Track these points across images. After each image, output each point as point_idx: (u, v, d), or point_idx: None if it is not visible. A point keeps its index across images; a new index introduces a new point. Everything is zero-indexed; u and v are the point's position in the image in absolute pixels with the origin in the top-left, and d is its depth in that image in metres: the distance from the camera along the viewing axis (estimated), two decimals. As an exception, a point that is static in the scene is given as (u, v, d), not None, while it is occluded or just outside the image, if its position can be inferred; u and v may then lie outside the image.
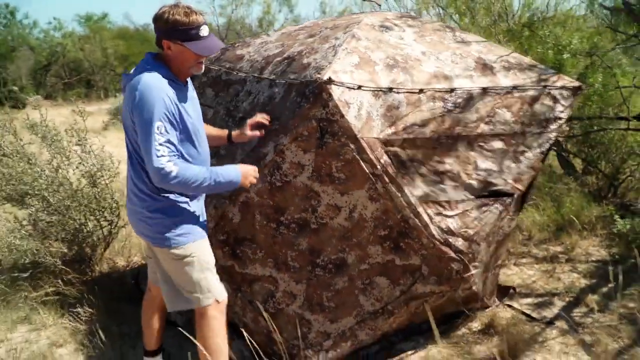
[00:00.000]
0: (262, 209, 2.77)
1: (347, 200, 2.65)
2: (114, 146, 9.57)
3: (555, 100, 3.10)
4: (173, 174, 2.18)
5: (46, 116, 4.10)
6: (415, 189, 2.71)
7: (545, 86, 3.09)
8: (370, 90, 2.61)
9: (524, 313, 3.47)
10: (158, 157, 2.16)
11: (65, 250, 3.84)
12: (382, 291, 2.83)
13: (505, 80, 3.03)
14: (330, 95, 2.47)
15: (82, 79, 21.01)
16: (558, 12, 6.62)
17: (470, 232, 2.83)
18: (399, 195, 2.63)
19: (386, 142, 2.61)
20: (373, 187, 2.60)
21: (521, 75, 3.12)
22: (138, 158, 2.34)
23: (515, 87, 3.00)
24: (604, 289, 3.69)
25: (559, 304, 3.63)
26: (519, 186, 2.97)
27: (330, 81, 2.47)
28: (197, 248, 2.48)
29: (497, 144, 2.92)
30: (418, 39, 3.17)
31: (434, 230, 2.73)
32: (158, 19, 2.29)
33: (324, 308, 2.80)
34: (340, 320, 2.82)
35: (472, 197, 2.84)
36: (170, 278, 2.55)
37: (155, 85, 2.23)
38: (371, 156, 2.54)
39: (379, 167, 2.56)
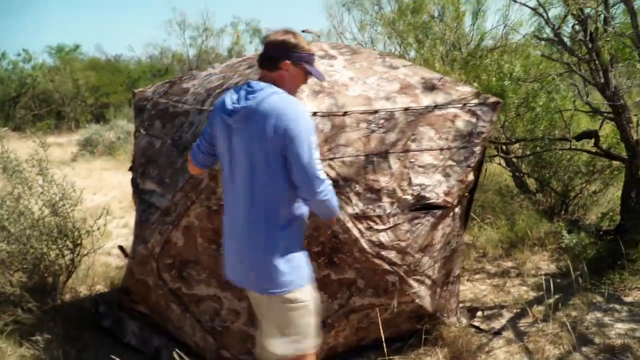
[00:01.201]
0: (202, 232, 2.93)
1: None
2: (82, 177, 9.63)
3: (476, 116, 3.28)
4: (328, 182, 2.19)
5: (8, 147, 4.18)
6: (352, 207, 2.86)
7: (464, 104, 3.28)
8: None
9: (472, 325, 3.63)
10: (319, 170, 2.15)
11: (26, 280, 3.89)
12: (321, 305, 2.96)
13: (426, 100, 3.21)
14: None
15: (52, 110, 20.90)
16: (509, 42, 6.96)
17: (403, 244, 2.98)
18: None
19: None
20: None
21: (442, 94, 3.30)
22: (285, 184, 2.20)
23: (435, 106, 3.19)
24: (550, 300, 3.86)
25: (507, 315, 3.81)
26: (449, 199, 3.14)
27: None
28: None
29: (427, 159, 3.08)
30: (348, 65, 3.35)
31: (364, 244, 2.87)
32: (283, 42, 2.27)
33: None
34: None
35: (403, 210, 2.99)
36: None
37: (299, 102, 2.26)
38: None
39: None
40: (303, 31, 4.37)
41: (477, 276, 4.60)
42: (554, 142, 5.05)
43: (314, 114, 2.82)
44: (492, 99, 3.39)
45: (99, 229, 4.19)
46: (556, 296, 4.00)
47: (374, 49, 10.53)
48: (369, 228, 2.89)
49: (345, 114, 2.91)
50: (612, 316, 3.72)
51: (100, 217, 4.27)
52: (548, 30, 5.10)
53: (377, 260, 2.92)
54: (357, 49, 3.75)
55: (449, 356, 3.20)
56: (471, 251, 5.05)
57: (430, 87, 3.32)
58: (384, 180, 2.94)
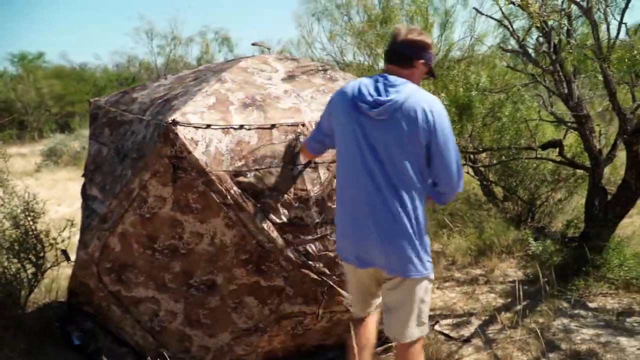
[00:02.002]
0: (137, 238, 3.01)
1: (207, 228, 2.87)
2: (46, 188, 9.41)
3: None
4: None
5: (-34, 158, 4.06)
6: (279, 216, 2.89)
7: None
8: (220, 128, 2.81)
9: (442, 333, 3.66)
10: (461, 166, 2.33)
11: (-14, 294, 3.76)
12: (252, 310, 3.04)
13: None
14: (176, 135, 2.66)
15: (14, 119, 20.41)
16: (475, 53, 7.09)
17: (331, 254, 3.02)
18: (251, 222, 2.82)
19: (237, 174, 2.79)
20: (227, 216, 2.81)
21: None
22: (421, 175, 2.33)
23: None
24: (517, 307, 3.92)
25: (475, 322, 3.85)
26: None
27: (174, 123, 2.67)
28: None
29: None
30: (287, 79, 3.40)
31: (290, 254, 2.91)
32: (421, 42, 2.41)
33: (202, 324, 3.04)
34: (217, 336, 3.05)
35: (332, 220, 2.99)
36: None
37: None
38: (221, 187, 2.74)
39: (229, 197, 2.76)
40: (253, 44, 4.41)
41: (447, 284, 4.64)
42: (520, 151, 5.15)
43: (241, 127, 2.85)
44: None
45: (63, 241, 4.08)
46: (524, 303, 4.06)
47: (344, 59, 10.60)
48: (296, 238, 2.93)
49: (272, 126, 2.94)
50: (578, 322, 3.79)
51: (64, 229, 4.16)
52: (513, 41, 5.22)
53: (304, 270, 2.97)
54: (302, 61, 3.77)
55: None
56: (440, 259, 5.10)
57: None
58: (313, 191, 2.97)
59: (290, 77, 3.43)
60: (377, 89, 2.32)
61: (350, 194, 2.42)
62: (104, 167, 3.25)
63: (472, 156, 6.18)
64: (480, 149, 5.40)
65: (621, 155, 6.04)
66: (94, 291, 3.37)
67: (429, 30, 8.09)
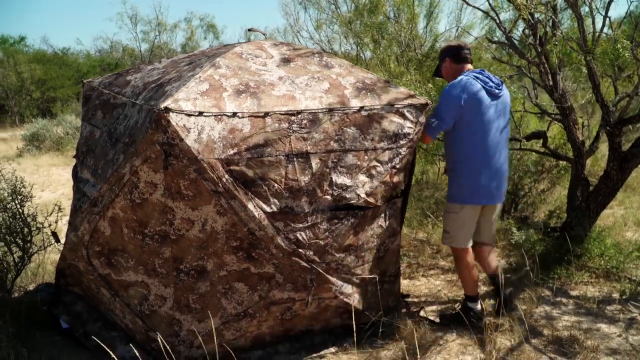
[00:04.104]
0: (127, 223, 3.02)
1: (198, 215, 2.89)
2: (29, 173, 9.32)
3: (403, 117, 3.31)
4: None
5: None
6: (270, 206, 2.92)
7: (392, 105, 3.30)
8: (212, 116, 2.80)
9: (427, 319, 3.72)
10: None
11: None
12: (242, 296, 3.09)
13: (354, 101, 3.22)
14: (168, 122, 2.66)
15: (-5, 104, 20.10)
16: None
17: (322, 243, 3.06)
18: (243, 210, 2.84)
19: (228, 162, 2.80)
20: (218, 203, 2.84)
21: (371, 95, 3.30)
22: (506, 137, 3.64)
23: (362, 107, 3.19)
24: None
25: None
26: (372, 200, 3.21)
27: (167, 110, 2.67)
28: None
29: (351, 160, 3.12)
30: (282, 65, 3.37)
31: (281, 241, 2.95)
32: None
33: (191, 309, 3.07)
34: (206, 321, 3.09)
35: (323, 210, 3.05)
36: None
37: None
38: (212, 175, 2.75)
39: (220, 185, 2.78)
40: (249, 30, 4.40)
41: (432, 272, 4.71)
42: (505, 142, 5.21)
43: (234, 114, 2.85)
44: (421, 101, 3.41)
45: (49, 225, 4.07)
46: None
47: (331, 48, 10.61)
48: (287, 226, 2.96)
49: (266, 114, 2.93)
50: (560, 309, 3.88)
51: (51, 213, 4.15)
52: (499, 33, 5.28)
53: (294, 258, 3.01)
54: (298, 47, 3.74)
55: (406, 349, 3.27)
56: (425, 248, 5.17)
57: (360, 88, 3.31)
58: (304, 180, 2.98)
59: (285, 63, 3.40)
60: (494, 84, 3.50)
61: (493, 151, 3.50)
62: (96, 150, 3.24)
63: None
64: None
65: (602, 148, 6.18)
66: (84, 273, 3.38)
67: (415, 21, 8.14)
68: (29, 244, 4.05)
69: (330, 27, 10.40)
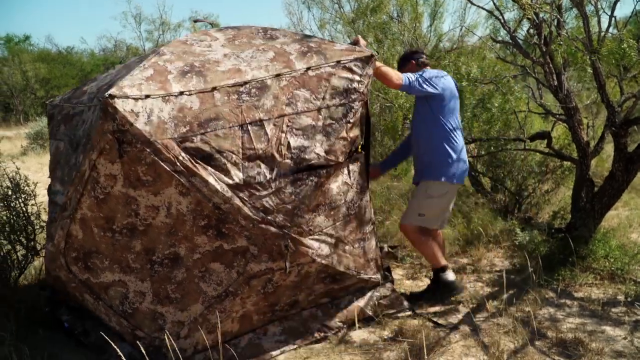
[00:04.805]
0: (96, 222, 3.00)
1: (161, 199, 2.88)
2: (33, 171, 9.32)
3: (351, 71, 3.33)
4: None
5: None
6: (232, 177, 2.92)
7: (338, 62, 3.30)
8: (159, 97, 2.81)
9: (430, 320, 3.71)
10: None
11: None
12: (219, 276, 3.08)
13: (300, 64, 3.23)
14: (115, 108, 2.67)
15: (-1, 102, 20.15)
16: (465, 44, 7.12)
17: (289, 206, 3.07)
18: (204, 185, 2.84)
19: (183, 140, 2.81)
20: (179, 183, 2.83)
21: (317, 56, 3.31)
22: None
23: (308, 68, 3.21)
24: (504, 296, 3.98)
25: (463, 310, 3.89)
26: (332, 157, 3.23)
27: (111, 97, 2.67)
28: None
29: (306, 121, 3.15)
30: (227, 44, 3.38)
31: (248, 211, 2.94)
32: None
33: (172, 300, 3.07)
34: (189, 309, 3.09)
35: (285, 174, 3.06)
36: None
37: None
38: (169, 155, 2.75)
39: (178, 163, 2.78)
40: (195, 21, 4.56)
41: (435, 273, 4.69)
42: (508, 142, 5.20)
43: (181, 93, 2.86)
44: (366, 53, 3.42)
45: (52, 224, 4.07)
46: (510, 292, 4.12)
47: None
48: (251, 196, 2.96)
49: (213, 89, 2.94)
50: (564, 311, 3.86)
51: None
52: (503, 32, 5.26)
53: (264, 226, 3.00)
54: (242, 27, 3.71)
55: (409, 350, 3.25)
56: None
57: (305, 52, 3.33)
58: (261, 148, 2.99)
59: (230, 42, 3.41)
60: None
61: (457, 129, 3.84)
62: (62, 161, 3.26)
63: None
64: (469, 140, 5.44)
65: (607, 148, 6.14)
66: (66, 283, 3.37)
67: (419, 20, 8.13)
68: (32, 242, 4.05)
69: (334, 27, 10.38)
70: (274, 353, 3.36)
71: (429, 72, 3.82)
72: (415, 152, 4.06)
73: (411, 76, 3.71)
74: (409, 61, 4.05)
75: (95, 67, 23.86)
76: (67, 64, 23.99)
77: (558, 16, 4.40)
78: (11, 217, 3.93)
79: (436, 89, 3.73)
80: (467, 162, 3.97)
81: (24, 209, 4.03)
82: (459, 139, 3.87)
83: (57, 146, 3.41)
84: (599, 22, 4.23)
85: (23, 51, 23.60)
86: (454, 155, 3.81)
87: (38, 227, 4.08)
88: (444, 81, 3.79)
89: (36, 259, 4.17)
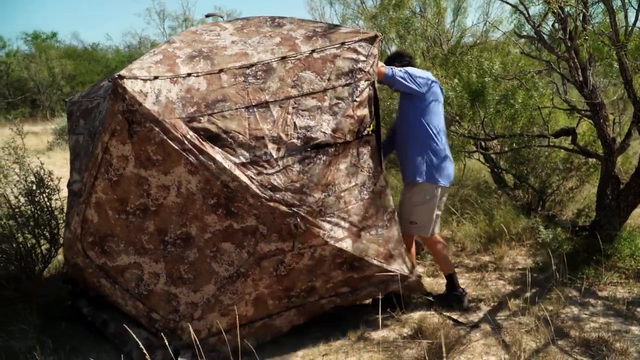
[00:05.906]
0: (110, 205, 3.10)
1: (172, 179, 2.96)
2: (58, 166, 9.47)
3: (356, 52, 3.34)
4: None
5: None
6: (238, 157, 2.96)
7: (342, 43, 3.33)
8: (167, 79, 2.89)
9: (450, 318, 3.68)
10: None
11: (1, 269, 3.82)
12: (230, 256, 3.12)
13: (305, 47, 3.27)
14: (124, 88, 2.75)
15: (26, 98, 20.51)
16: (489, 39, 7.02)
17: (297, 184, 3.07)
18: (212, 163, 2.88)
19: (190, 120, 2.88)
20: (188, 162, 2.88)
21: (322, 39, 3.35)
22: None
23: (313, 50, 3.25)
24: (526, 294, 3.93)
25: (484, 308, 3.86)
26: (339, 135, 3.22)
27: (120, 77, 2.76)
28: None
29: (311, 102, 3.17)
30: (235, 32, 3.47)
31: (256, 189, 2.96)
32: None
33: (185, 280, 3.13)
34: (202, 289, 3.14)
35: (293, 153, 3.07)
36: None
37: None
38: (177, 134, 2.82)
39: (186, 142, 2.84)
40: (207, 15, 4.64)
41: (456, 270, 4.62)
42: (532, 138, 5.11)
43: (189, 75, 2.93)
44: (370, 34, 3.44)
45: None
46: (533, 290, 4.07)
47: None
48: (259, 173, 2.99)
49: (220, 71, 3.01)
50: (588, 310, 3.79)
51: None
52: (528, 27, 5.18)
53: (272, 204, 3.01)
54: (251, 18, 3.78)
55: (428, 348, 3.23)
56: (450, 245, 5.11)
57: (310, 36, 3.37)
58: (267, 129, 3.03)
59: (239, 31, 3.50)
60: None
61: (444, 135, 3.84)
62: (81, 153, 3.35)
63: (483, 143, 6.14)
64: (492, 136, 5.37)
65: (634, 145, 6.01)
66: (84, 269, 3.44)
67: (442, 15, 8.04)
68: (56, 237, 4.11)
69: (356, 22, 10.33)
70: (284, 329, 3.41)
71: (416, 70, 3.83)
72: (398, 151, 4.00)
73: (396, 69, 3.70)
74: (392, 63, 3.99)
75: (120, 63, 24.12)
76: (93, 60, 24.34)
77: (584, 10, 4.31)
78: (35, 211, 3.99)
79: (420, 87, 3.73)
80: (453, 164, 3.94)
81: (47, 203, 4.10)
82: (443, 141, 3.83)
83: (76, 140, 3.51)
84: (625, 16, 4.14)
85: (50, 48, 23.96)
86: (437, 157, 3.79)
87: (62, 221, 4.14)
88: (428, 82, 3.78)
89: (59, 253, 4.24)
